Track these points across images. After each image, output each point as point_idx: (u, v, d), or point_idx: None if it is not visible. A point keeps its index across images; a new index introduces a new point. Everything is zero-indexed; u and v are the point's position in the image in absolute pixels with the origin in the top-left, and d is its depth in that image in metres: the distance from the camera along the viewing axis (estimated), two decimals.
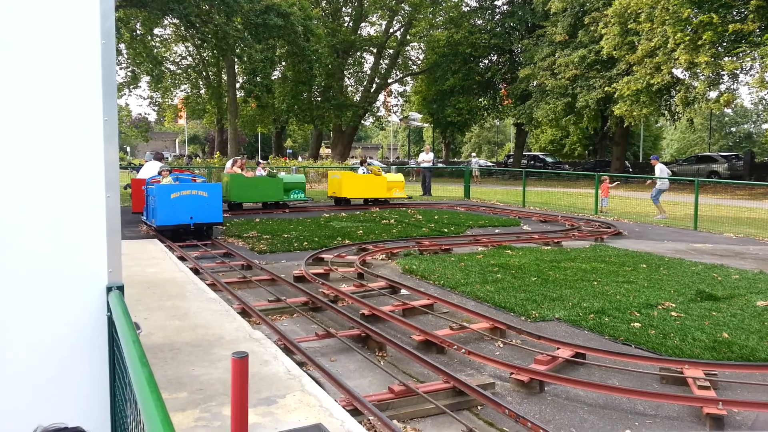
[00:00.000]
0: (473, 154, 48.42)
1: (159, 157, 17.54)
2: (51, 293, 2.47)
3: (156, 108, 36.85)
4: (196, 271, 8.05)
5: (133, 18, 29.67)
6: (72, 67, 2.51)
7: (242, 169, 17.35)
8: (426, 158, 23.71)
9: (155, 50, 33.72)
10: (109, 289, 2.51)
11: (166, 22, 33.03)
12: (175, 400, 3.37)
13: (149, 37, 32.32)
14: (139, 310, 5.23)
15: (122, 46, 30.37)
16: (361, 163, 20.17)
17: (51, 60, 2.47)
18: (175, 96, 41.37)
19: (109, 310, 2.43)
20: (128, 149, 66.57)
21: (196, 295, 5.94)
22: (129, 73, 31.87)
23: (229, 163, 18.50)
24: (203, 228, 11.59)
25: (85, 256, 2.54)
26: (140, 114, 46.21)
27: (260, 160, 23.66)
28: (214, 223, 11.66)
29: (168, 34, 37.42)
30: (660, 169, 16.98)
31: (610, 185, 18.31)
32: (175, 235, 11.29)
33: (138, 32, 30.86)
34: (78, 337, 2.49)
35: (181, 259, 8.87)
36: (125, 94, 32.91)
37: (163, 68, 33.33)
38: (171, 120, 50.57)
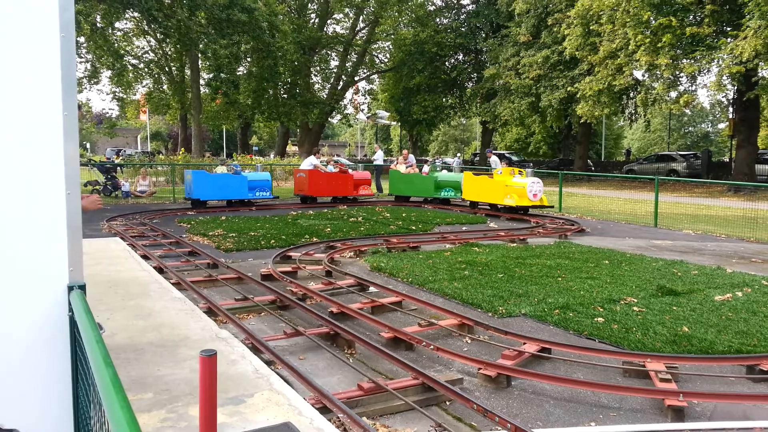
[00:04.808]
0: (459, 154, 48.76)
1: (315, 152, 21.17)
2: (9, 293, 2.39)
3: (119, 103, 35.98)
4: (160, 270, 7.89)
5: (93, 11, 28.89)
6: (30, 60, 2.43)
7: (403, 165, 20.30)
8: (377, 156, 24.48)
9: (116, 44, 32.93)
10: (70, 289, 2.44)
11: (127, 15, 32.26)
12: (140, 401, 3.30)
13: (110, 31, 31.50)
14: (101, 310, 5.10)
15: (82, 39, 29.56)
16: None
17: (8, 52, 2.38)
18: (137, 91, 40.49)
19: (70, 309, 2.36)
20: (88, 145, 64.94)
21: (160, 294, 5.82)
22: (89, 67, 31.07)
23: (401, 162, 21.11)
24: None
25: (45, 254, 2.46)
26: (103, 109, 45.16)
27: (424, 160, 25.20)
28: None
29: (130, 28, 36.58)
30: (494, 161, 19.42)
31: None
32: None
33: (98, 25, 30.05)
34: (38, 337, 2.41)
35: (145, 257, 8.69)
36: (86, 89, 32.09)
37: (124, 62, 32.60)
38: (133, 116, 49.49)
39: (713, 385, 4.62)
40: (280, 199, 19.74)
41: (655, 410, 4.20)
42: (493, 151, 19.79)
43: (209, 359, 1.70)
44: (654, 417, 4.10)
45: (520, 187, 15.87)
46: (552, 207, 16.85)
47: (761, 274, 8.51)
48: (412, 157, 21.78)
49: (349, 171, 20.56)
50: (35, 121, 2.45)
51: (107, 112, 43.11)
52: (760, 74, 23.02)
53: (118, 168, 23.34)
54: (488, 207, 16.99)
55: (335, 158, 21.25)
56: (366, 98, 48.74)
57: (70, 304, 2.38)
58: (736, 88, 25.03)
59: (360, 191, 20.10)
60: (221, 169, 18.63)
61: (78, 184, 2.58)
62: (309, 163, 19.32)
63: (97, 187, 20.24)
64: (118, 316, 5.00)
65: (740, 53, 20.31)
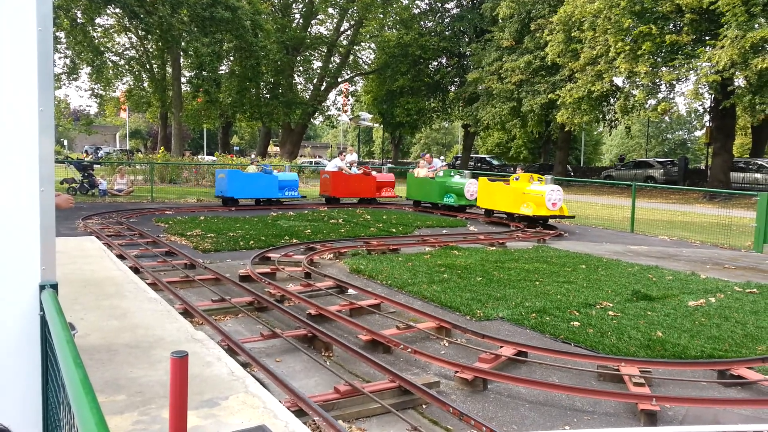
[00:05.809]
0: (442, 157, 48.71)
1: (340, 153, 21.54)
2: None
3: (98, 100, 35.48)
4: (136, 270, 7.79)
5: (73, 5, 28.50)
6: (5, 53, 2.38)
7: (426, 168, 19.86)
8: (350, 159, 24.45)
9: (97, 40, 32.51)
10: (42, 288, 2.40)
11: (108, 11, 31.88)
12: (113, 403, 3.26)
13: (90, 26, 31.09)
14: (74, 309, 5.03)
15: (61, 34, 29.12)
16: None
17: None
18: (116, 88, 40.01)
19: (41, 309, 2.33)
20: (65, 142, 64.01)
21: (135, 294, 5.75)
22: (68, 63, 30.61)
23: (422, 166, 20.54)
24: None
25: (17, 252, 2.42)
26: (81, 105, 44.56)
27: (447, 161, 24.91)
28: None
29: (111, 24, 36.14)
30: (436, 163, 20.02)
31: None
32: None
33: (79, 20, 29.64)
34: (8, 337, 2.37)
35: (120, 257, 8.59)
36: (64, 85, 31.60)
37: (104, 58, 32.20)
38: (113, 113, 48.86)
39: (685, 390, 4.70)
40: (307, 199, 19.79)
41: (629, 414, 4.25)
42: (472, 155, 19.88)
43: (180, 360, 1.68)
44: (627, 421, 4.15)
45: (538, 195, 14.40)
46: (573, 217, 15.35)
47: (734, 280, 8.67)
48: (437, 161, 20.37)
49: (373, 173, 20.64)
50: (9, 117, 2.41)
51: (84, 109, 42.49)
52: (736, 83, 23.50)
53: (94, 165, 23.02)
54: (505, 216, 15.73)
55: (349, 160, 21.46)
56: (349, 99, 48.74)
57: (41, 303, 2.34)
58: (713, 96, 25.51)
59: (382, 193, 20.19)
60: (252, 169, 18.91)
61: (52, 182, 2.54)
62: (334, 165, 19.68)
63: (74, 185, 19.94)
64: (91, 316, 4.93)
65: (717, 62, 20.70)
